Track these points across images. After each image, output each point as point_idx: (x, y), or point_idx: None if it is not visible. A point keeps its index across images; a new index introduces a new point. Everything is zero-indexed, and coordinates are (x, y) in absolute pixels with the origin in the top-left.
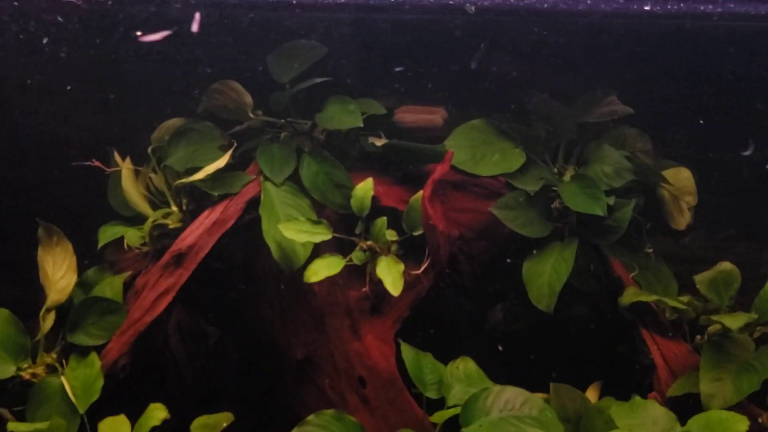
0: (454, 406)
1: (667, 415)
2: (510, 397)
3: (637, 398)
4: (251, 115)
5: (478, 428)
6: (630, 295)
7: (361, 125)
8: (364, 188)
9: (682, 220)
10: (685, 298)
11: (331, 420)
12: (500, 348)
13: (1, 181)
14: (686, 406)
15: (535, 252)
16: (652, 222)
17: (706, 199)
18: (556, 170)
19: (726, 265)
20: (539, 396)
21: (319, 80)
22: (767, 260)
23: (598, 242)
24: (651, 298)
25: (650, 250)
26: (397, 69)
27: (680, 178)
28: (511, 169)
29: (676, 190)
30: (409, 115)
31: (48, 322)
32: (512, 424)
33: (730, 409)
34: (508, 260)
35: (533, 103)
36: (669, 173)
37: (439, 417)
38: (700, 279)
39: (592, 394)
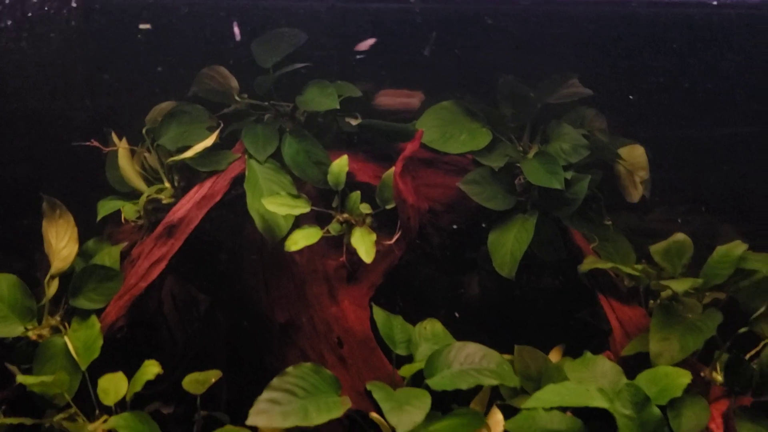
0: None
1: (614, 368)
2: (470, 351)
3: (588, 354)
4: (237, 98)
5: (441, 379)
6: (588, 263)
7: (338, 107)
8: (340, 164)
9: (636, 193)
10: (639, 266)
11: (309, 372)
12: (457, 315)
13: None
14: (639, 366)
15: (499, 224)
16: (615, 198)
17: (668, 176)
18: (521, 148)
19: (679, 236)
20: (505, 357)
21: (299, 65)
22: (721, 233)
23: (558, 214)
24: (607, 265)
25: (609, 223)
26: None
27: (634, 154)
28: (478, 147)
29: (630, 166)
30: (388, 99)
31: (52, 288)
32: (471, 376)
33: (676, 365)
34: (475, 230)
35: (499, 85)
36: (624, 150)
37: (407, 371)
38: (655, 249)
39: (554, 356)
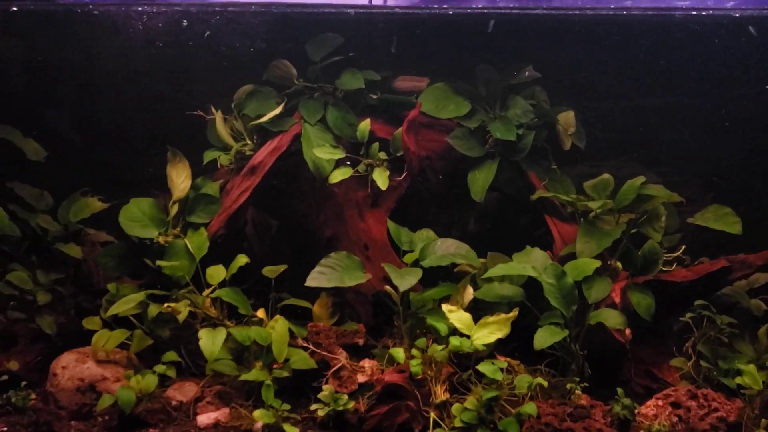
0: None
1: (544, 256)
2: (449, 244)
3: (528, 247)
4: (296, 82)
5: (428, 261)
6: (537, 194)
7: (363, 86)
8: (364, 125)
9: (568, 143)
10: (573, 195)
11: (344, 257)
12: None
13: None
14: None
15: (475, 166)
16: (566, 152)
17: (608, 136)
18: (492, 115)
19: (605, 175)
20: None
21: (337, 58)
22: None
23: (515, 159)
24: (548, 194)
25: (555, 167)
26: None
27: (568, 117)
28: (461, 114)
29: (565, 125)
30: (404, 83)
31: (174, 209)
32: (448, 257)
33: (595, 258)
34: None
35: (477, 71)
36: (562, 115)
37: (408, 258)
38: (587, 184)
39: None
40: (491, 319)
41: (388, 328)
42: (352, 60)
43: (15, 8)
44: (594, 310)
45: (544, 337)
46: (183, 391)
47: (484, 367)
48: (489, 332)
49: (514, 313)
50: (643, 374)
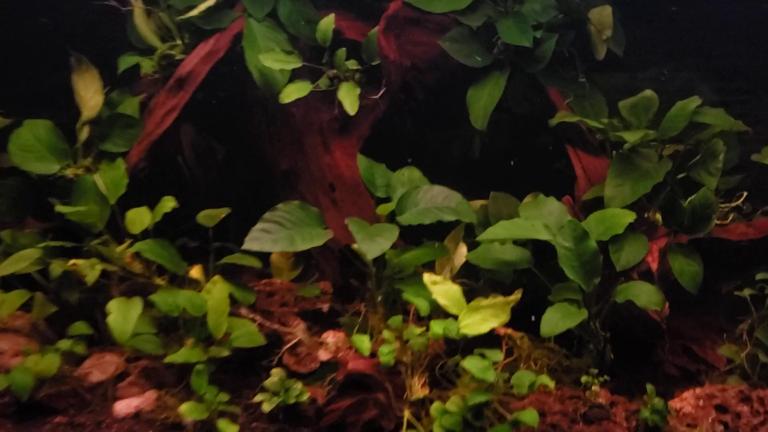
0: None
1: (561, 207)
2: (435, 193)
3: (541, 196)
4: None
5: (408, 216)
6: (557, 117)
7: None
8: (327, 22)
9: (602, 50)
10: (605, 120)
11: (296, 208)
12: (410, 160)
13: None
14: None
15: (477, 80)
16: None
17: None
18: (502, 9)
19: (647, 92)
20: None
21: None
22: (696, 91)
23: (531, 71)
24: (573, 118)
25: (583, 80)
26: None
27: (603, 14)
28: (461, 7)
29: (599, 25)
30: None
31: (83, 133)
32: (433, 212)
33: (629, 208)
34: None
35: None
36: (594, 11)
37: (383, 210)
38: (623, 104)
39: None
40: (485, 302)
41: (361, 287)
42: None
43: None
44: (622, 280)
45: (554, 320)
46: (102, 366)
47: (470, 364)
48: (481, 318)
49: (516, 296)
50: (679, 351)
